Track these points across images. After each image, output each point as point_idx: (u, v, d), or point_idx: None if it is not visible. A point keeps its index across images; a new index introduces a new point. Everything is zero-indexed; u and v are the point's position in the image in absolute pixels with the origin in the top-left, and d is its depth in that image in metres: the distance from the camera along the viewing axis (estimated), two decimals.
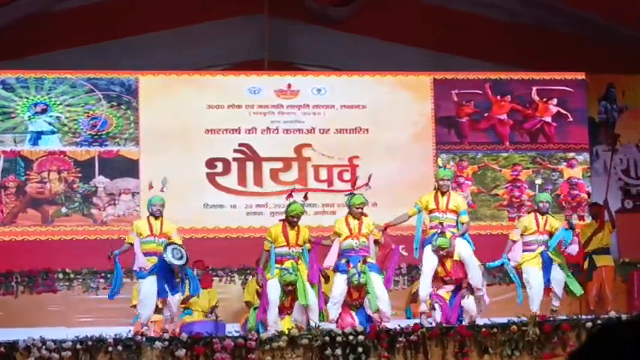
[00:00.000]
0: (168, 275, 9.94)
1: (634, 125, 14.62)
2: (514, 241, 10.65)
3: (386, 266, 10.24)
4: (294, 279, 9.74)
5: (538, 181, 11.89)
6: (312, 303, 9.77)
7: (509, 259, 10.60)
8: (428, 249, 10.04)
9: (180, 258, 9.89)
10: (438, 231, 9.98)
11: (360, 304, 9.98)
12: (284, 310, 9.92)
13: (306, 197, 10.29)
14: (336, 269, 9.95)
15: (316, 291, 9.94)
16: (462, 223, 10.19)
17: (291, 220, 10.03)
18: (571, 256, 10.86)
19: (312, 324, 9.66)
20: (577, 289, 10.61)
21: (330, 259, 9.98)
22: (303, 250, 10.00)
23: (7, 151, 13.46)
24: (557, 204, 14.07)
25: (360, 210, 10.10)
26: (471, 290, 10.10)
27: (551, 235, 10.61)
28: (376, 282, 9.85)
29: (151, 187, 10.42)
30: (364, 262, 9.84)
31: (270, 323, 9.75)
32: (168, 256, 9.80)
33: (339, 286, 9.89)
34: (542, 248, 10.51)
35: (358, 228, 10.01)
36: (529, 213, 11.07)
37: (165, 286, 9.91)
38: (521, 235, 10.62)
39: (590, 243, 12.77)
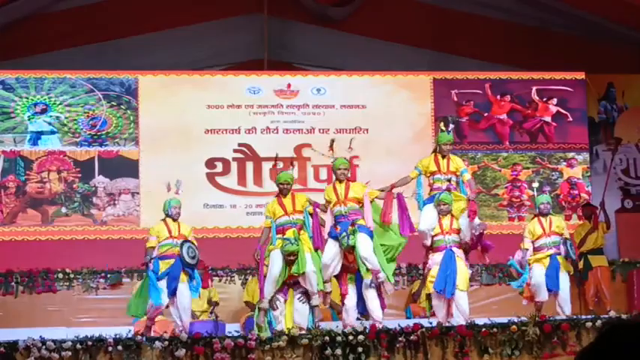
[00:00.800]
0: (179, 276, 9.93)
1: (634, 125, 14.62)
2: (526, 249, 10.64)
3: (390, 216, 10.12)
4: (295, 249, 9.57)
5: (535, 184, 11.87)
6: (309, 271, 9.59)
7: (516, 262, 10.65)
8: (427, 207, 10.10)
9: (193, 257, 9.97)
10: (443, 191, 10.03)
11: (355, 267, 9.88)
12: (286, 282, 9.77)
13: (292, 164, 10.27)
14: (329, 235, 9.87)
15: (320, 257, 9.82)
16: (465, 181, 10.23)
17: (282, 188, 9.95)
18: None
19: (308, 287, 9.62)
20: None
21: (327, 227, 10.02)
22: (305, 215, 9.88)
23: (7, 151, 13.47)
24: (557, 204, 14.08)
25: (342, 171, 9.96)
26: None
27: (559, 235, 10.60)
28: (362, 243, 9.63)
29: (169, 189, 10.32)
30: (353, 224, 9.74)
31: (266, 295, 9.64)
32: (183, 253, 9.86)
33: (329, 250, 9.76)
34: (552, 251, 10.49)
35: (345, 193, 9.87)
36: (532, 219, 11.01)
37: (174, 286, 9.89)
38: (532, 242, 10.60)
39: (584, 243, 12.79)
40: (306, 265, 9.58)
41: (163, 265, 9.96)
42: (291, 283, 9.78)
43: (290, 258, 9.60)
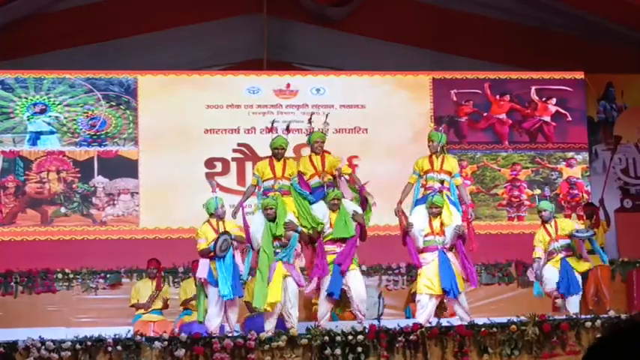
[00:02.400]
0: (235, 275, 9.85)
1: (633, 125, 14.62)
2: (539, 258, 10.58)
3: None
4: (272, 202, 9.70)
5: (537, 192, 11.86)
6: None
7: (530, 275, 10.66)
8: (418, 208, 10.14)
9: (223, 250, 9.82)
10: (435, 192, 10.04)
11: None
12: (275, 240, 9.78)
13: (288, 129, 10.34)
14: (311, 202, 10.05)
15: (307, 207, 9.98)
16: (457, 186, 10.31)
17: (276, 153, 10.12)
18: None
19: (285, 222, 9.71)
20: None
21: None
22: (292, 182, 10.04)
23: (7, 151, 13.46)
24: (557, 203, 14.08)
25: (319, 144, 10.21)
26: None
27: (567, 237, 10.55)
28: (347, 204, 9.94)
29: (214, 190, 10.28)
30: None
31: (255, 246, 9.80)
32: (217, 244, 9.73)
33: (319, 211, 9.94)
34: (562, 254, 10.47)
35: (322, 165, 10.11)
36: (540, 226, 10.93)
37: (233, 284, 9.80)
38: (544, 250, 10.57)
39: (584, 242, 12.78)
40: (288, 215, 9.73)
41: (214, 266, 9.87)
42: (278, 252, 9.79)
43: (267, 212, 9.70)
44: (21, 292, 12.95)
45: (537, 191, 11.94)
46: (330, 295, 9.75)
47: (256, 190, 10.16)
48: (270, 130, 10.35)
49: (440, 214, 10.00)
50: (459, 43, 14.67)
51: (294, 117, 13.94)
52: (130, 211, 13.51)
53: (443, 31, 14.52)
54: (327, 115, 10.60)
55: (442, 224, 10.00)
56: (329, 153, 10.32)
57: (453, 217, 10.01)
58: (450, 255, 10.03)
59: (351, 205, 10.01)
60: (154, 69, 13.95)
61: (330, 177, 10.09)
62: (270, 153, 10.36)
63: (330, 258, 9.85)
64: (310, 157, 10.23)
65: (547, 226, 10.62)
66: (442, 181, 10.17)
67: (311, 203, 10.01)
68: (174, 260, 12.84)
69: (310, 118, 10.45)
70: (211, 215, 10.10)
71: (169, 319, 11.82)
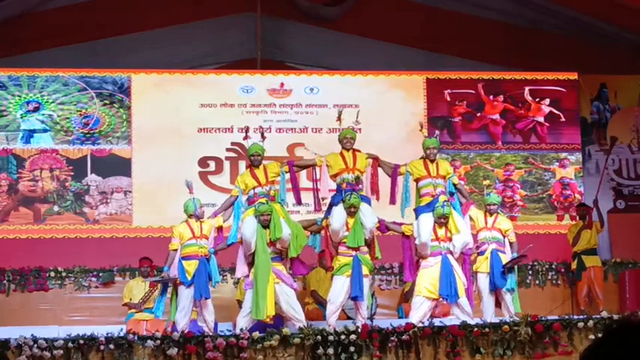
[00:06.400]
0: (206, 278, 9.88)
1: (626, 126, 14.64)
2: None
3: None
4: (267, 208, 9.69)
5: (486, 182, 11.80)
6: (285, 235, 9.69)
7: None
8: (426, 217, 10.03)
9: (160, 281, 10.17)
10: (437, 197, 10.02)
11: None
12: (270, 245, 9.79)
13: (263, 136, 10.36)
14: (334, 201, 10.02)
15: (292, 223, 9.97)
16: (455, 184, 10.34)
17: (254, 160, 10.16)
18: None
19: (291, 253, 9.76)
20: (516, 308, 10.47)
21: (325, 189, 10.20)
22: (281, 176, 10.12)
23: (0, 149, 13.45)
24: (550, 204, 14.12)
25: (348, 140, 10.25)
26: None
27: (501, 233, 10.57)
28: (366, 212, 9.90)
29: (191, 191, 10.26)
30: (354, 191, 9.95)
31: (240, 270, 9.85)
32: (159, 280, 9.99)
33: (339, 216, 9.88)
34: (492, 246, 10.48)
35: (353, 162, 10.12)
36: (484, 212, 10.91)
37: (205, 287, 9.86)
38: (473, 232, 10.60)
39: (577, 243, 12.81)
40: (282, 230, 9.68)
41: (187, 266, 9.91)
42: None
43: (264, 217, 9.67)
44: (13, 290, 12.93)
45: (487, 181, 11.87)
46: (354, 298, 9.80)
47: (237, 201, 10.16)
48: (245, 138, 10.35)
49: (447, 223, 9.98)
50: (453, 43, 14.68)
51: (288, 116, 13.96)
52: (122, 210, 13.49)
53: (437, 31, 14.53)
54: (357, 112, 10.59)
55: (447, 232, 9.98)
56: (359, 151, 10.34)
57: (460, 227, 10.01)
58: (454, 261, 10.01)
59: (366, 216, 9.91)
60: (148, 68, 13.94)
61: (359, 174, 10.10)
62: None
63: (345, 260, 9.86)
64: (342, 152, 10.25)
65: (487, 215, 10.65)
66: (435, 186, 10.12)
67: (333, 205, 10.02)
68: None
69: (339, 116, 10.43)
70: (190, 216, 10.14)
71: (162, 317, 11.79)
